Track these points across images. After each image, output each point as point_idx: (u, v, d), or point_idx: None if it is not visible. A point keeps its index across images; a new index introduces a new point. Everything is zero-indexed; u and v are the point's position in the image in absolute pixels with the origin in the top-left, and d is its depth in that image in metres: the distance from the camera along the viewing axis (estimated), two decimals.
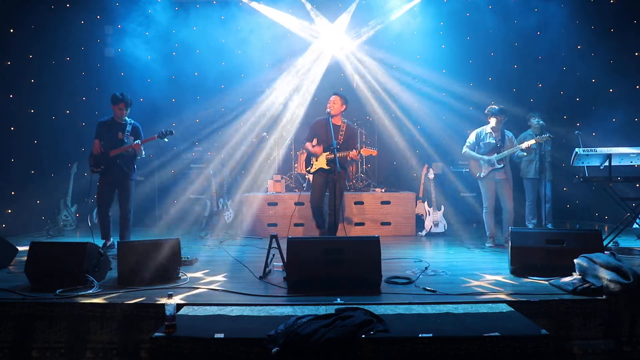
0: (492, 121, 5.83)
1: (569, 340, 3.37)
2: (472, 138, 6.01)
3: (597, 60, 7.68)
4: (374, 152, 5.54)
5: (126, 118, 5.43)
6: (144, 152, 5.52)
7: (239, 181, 7.97)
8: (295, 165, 8.10)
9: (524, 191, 6.67)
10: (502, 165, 5.77)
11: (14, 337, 3.39)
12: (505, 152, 5.75)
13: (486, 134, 5.91)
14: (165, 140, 5.42)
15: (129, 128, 5.37)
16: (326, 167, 5.47)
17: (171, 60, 8.53)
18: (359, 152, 5.48)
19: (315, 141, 5.65)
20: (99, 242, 4.60)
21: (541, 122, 6.32)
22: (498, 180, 5.84)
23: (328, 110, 5.41)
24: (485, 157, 5.80)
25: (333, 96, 5.50)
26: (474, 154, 5.92)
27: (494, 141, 5.84)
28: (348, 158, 5.51)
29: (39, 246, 4.08)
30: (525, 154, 5.76)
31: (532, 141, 5.69)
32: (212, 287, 3.96)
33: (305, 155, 5.80)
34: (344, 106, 5.53)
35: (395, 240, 6.51)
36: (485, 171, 5.81)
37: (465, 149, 6.03)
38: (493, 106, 5.83)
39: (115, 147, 5.31)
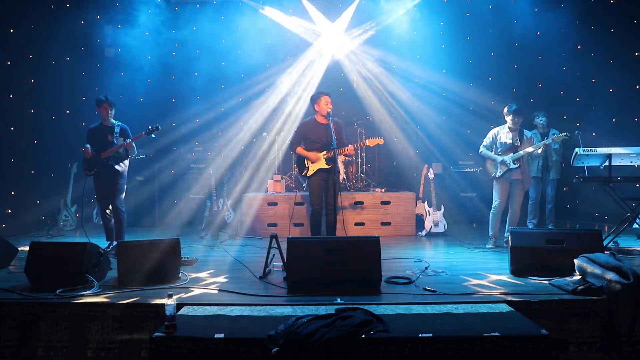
0: (509, 120, 5.75)
1: (568, 340, 3.37)
2: (488, 137, 5.92)
3: (597, 60, 7.69)
4: (381, 141, 5.50)
5: (113, 121, 5.50)
6: (136, 150, 5.55)
7: (239, 181, 7.97)
8: (295, 165, 8.09)
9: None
10: (517, 165, 5.66)
11: (18, 337, 3.40)
12: (521, 152, 5.67)
13: (503, 133, 5.82)
14: (153, 136, 5.47)
15: (117, 130, 5.44)
16: (326, 166, 5.43)
17: (171, 60, 8.54)
18: (364, 144, 5.48)
19: (302, 143, 5.60)
20: (99, 243, 4.60)
21: (544, 120, 6.31)
22: (513, 181, 5.76)
23: (329, 110, 5.37)
24: (499, 158, 5.72)
25: (327, 96, 5.41)
26: (490, 153, 5.84)
27: (511, 141, 5.75)
28: (345, 155, 5.48)
29: (39, 246, 4.09)
30: (540, 152, 5.71)
31: (541, 143, 5.66)
32: (212, 287, 3.96)
33: (295, 157, 5.71)
34: None
35: (395, 240, 6.51)
36: (500, 171, 5.72)
37: (481, 149, 5.96)
38: (511, 105, 5.74)
39: (106, 149, 5.36)
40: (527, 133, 5.84)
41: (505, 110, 5.78)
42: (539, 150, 5.62)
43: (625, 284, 3.40)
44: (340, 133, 5.53)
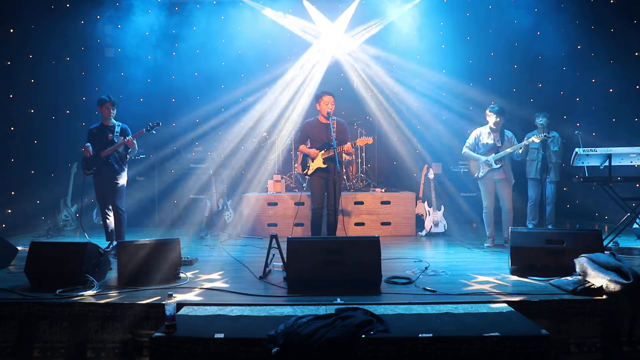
0: (490, 121, 5.83)
1: (568, 340, 3.37)
2: (471, 138, 6.00)
3: (597, 60, 7.68)
4: (370, 141, 5.56)
5: (114, 120, 5.51)
6: (137, 147, 5.56)
7: (239, 181, 7.97)
8: (295, 165, 8.09)
9: (527, 191, 6.68)
10: (499, 165, 5.74)
11: (17, 337, 3.39)
12: (503, 152, 5.74)
13: (485, 134, 5.89)
14: (154, 132, 5.49)
15: (117, 129, 5.48)
16: (323, 165, 5.44)
17: (171, 60, 8.53)
18: (354, 144, 5.49)
19: (308, 143, 5.63)
20: (99, 243, 4.60)
21: (544, 121, 6.34)
22: (497, 180, 5.83)
23: (328, 110, 5.38)
24: (483, 158, 5.79)
25: (329, 96, 5.45)
26: (473, 154, 5.91)
27: (493, 141, 5.82)
28: (345, 153, 5.50)
29: (39, 246, 4.09)
30: (520, 151, 5.73)
31: (522, 144, 5.67)
32: (212, 287, 3.96)
33: (301, 157, 5.77)
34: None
35: (395, 240, 6.51)
36: (483, 171, 5.81)
37: (464, 149, 6.03)
38: (492, 106, 5.83)
39: (107, 149, 5.37)
40: (507, 133, 5.90)
41: (488, 110, 5.84)
42: (519, 151, 5.69)
43: (625, 284, 3.40)
44: (343, 133, 5.56)
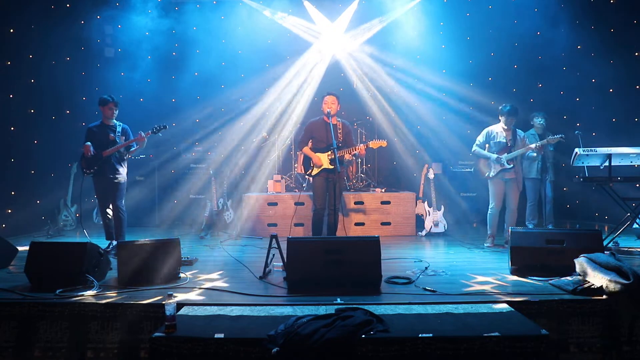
0: (502, 120, 5.76)
1: (568, 340, 3.37)
2: (482, 137, 5.90)
3: (597, 60, 7.68)
4: (384, 143, 5.52)
5: (115, 121, 5.52)
6: (145, 144, 5.57)
7: (239, 181, 7.97)
8: (295, 165, 8.10)
9: (525, 191, 6.67)
10: (512, 165, 5.66)
11: (17, 337, 3.39)
12: (516, 152, 5.67)
13: (497, 133, 5.80)
14: (160, 135, 5.51)
15: (119, 129, 5.49)
16: (330, 166, 5.45)
17: (171, 60, 8.54)
18: (367, 146, 5.46)
19: (310, 142, 5.63)
20: (99, 243, 4.60)
21: (543, 121, 6.33)
22: (507, 180, 5.74)
23: (328, 110, 5.40)
24: (494, 156, 5.69)
25: (330, 96, 5.47)
26: (484, 152, 5.80)
27: (505, 140, 5.73)
28: (351, 155, 5.52)
29: (39, 246, 4.08)
30: (535, 154, 5.69)
31: (544, 142, 5.66)
32: (212, 287, 3.96)
33: (302, 156, 5.77)
34: (339, 105, 5.54)
35: (395, 240, 6.51)
36: (494, 171, 5.71)
37: (475, 147, 5.93)
38: (504, 105, 5.74)
39: (108, 148, 5.38)
40: (520, 133, 5.85)
41: (500, 109, 5.79)
42: (534, 154, 5.64)
43: (625, 284, 3.40)
44: (349, 135, 5.60)
